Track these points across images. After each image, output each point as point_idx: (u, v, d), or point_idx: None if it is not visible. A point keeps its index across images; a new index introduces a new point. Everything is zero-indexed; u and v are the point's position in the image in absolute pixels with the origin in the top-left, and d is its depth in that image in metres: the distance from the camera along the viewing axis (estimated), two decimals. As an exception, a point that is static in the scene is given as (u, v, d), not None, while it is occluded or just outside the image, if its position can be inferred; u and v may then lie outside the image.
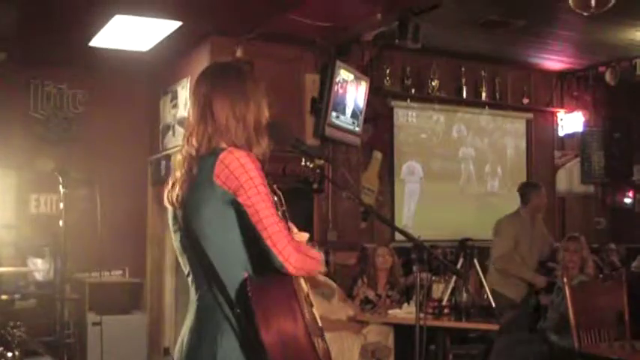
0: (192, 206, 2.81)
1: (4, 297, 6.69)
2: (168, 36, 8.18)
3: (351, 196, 3.18)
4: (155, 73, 9.61)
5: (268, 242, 2.69)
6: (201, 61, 8.55)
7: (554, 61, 10.94)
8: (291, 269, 2.68)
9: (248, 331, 2.68)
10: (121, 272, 9.57)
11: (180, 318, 9.60)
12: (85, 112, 9.62)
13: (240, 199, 2.72)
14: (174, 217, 2.95)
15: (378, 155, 9.91)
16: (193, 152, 2.88)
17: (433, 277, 7.12)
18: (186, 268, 2.95)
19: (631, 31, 9.27)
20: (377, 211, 9.96)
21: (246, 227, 2.76)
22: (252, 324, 2.63)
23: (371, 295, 7.57)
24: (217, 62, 3.25)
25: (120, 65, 9.22)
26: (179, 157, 2.97)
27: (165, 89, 9.44)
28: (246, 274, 2.75)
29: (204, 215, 2.78)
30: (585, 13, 6.57)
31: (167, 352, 9.40)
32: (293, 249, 2.69)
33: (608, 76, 10.61)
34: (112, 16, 7.56)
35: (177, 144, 9.04)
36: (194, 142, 2.89)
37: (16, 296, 7.36)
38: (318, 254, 2.83)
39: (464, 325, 6.39)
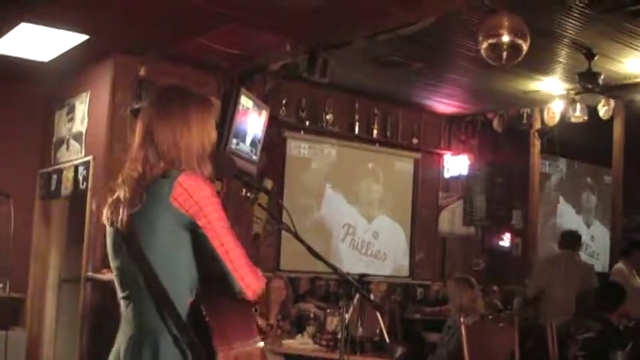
0: (143, 227, 2.77)
1: None
2: (72, 49, 8.04)
3: (285, 228, 3.17)
4: (53, 84, 9.40)
5: (229, 266, 2.69)
6: (103, 77, 8.47)
7: (445, 105, 11.26)
8: (250, 295, 2.70)
9: (200, 355, 2.67)
10: (1, 286, 9.27)
11: (60, 336, 9.41)
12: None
13: (199, 223, 2.71)
14: (116, 238, 2.91)
15: (268, 184, 9.95)
16: (136, 176, 2.85)
17: (327, 310, 7.19)
18: (124, 291, 2.91)
19: (523, 82, 9.64)
20: (262, 239, 10.06)
21: (200, 251, 2.76)
22: (207, 347, 2.63)
23: (262, 324, 7.56)
24: (165, 86, 3.22)
25: (17, 73, 8.97)
26: (119, 179, 2.94)
27: (62, 102, 9.27)
28: (191, 299, 2.75)
29: (156, 237, 2.75)
30: (495, 64, 6.80)
31: (45, 370, 9.18)
32: (254, 277, 2.71)
33: (495, 123, 10.99)
34: (17, 23, 7.39)
35: (71, 158, 8.90)
36: (138, 167, 2.87)
37: None
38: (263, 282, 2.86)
39: (358, 359, 6.45)
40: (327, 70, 7.72)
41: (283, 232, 9.81)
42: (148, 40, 7.84)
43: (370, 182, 11.32)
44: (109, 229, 2.93)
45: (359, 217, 11.22)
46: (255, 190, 3.21)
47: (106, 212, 2.93)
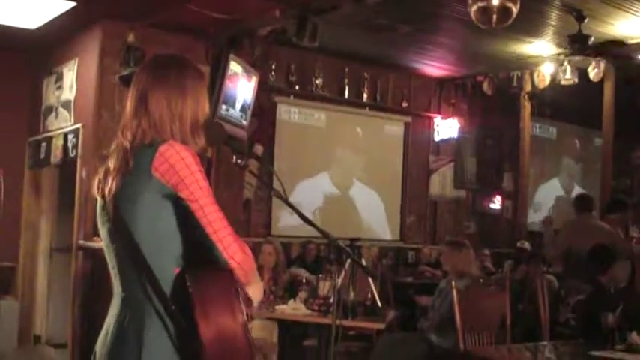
0: (126, 198, 2.76)
1: None
2: (59, 16, 7.97)
3: (276, 194, 3.15)
4: (41, 52, 9.33)
5: (213, 237, 2.67)
6: (92, 44, 8.40)
7: (434, 68, 11.24)
8: (235, 265, 2.68)
9: (183, 326, 2.66)
10: (-8, 255, 9.29)
11: (52, 305, 9.42)
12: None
13: (182, 194, 2.69)
14: (103, 209, 2.89)
15: (258, 150, 9.94)
16: (127, 145, 2.83)
17: (319, 275, 7.21)
18: (112, 262, 2.89)
19: (513, 45, 9.63)
20: (253, 204, 10.07)
21: (185, 221, 2.74)
22: (189, 319, 2.63)
23: (254, 290, 7.56)
24: (160, 55, 3.18)
25: (4, 41, 8.90)
26: (112, 147, 2.91)
27: (51, 70, 9.21)
28: (177, 270, 2.74)
29: (139, 207, 2.73)
30: (485, 27, 6.78)
31: (38, 339, 9.18)
32: (238, 247, 2.69)
33: (485, 86, 10.99)
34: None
35: (60, 126, 8.85)
36: (128, 135, 2.84)
37: None
38: (254, 266, 2.85)
39: (351, 323, 6.48)
40: (317, 35, 7.68)
41: (274, 198, 9.93)
42: (137, 6, 7.76)
43: (359, 146, 11.31)
44: (98, 200, 2.91)
45: (348, 181, 11.22)
46: (245, 157, 3.16)
47: (95, 182, 2.91)
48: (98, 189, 2.88)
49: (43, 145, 9.14)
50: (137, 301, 2.76)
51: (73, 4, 7.64)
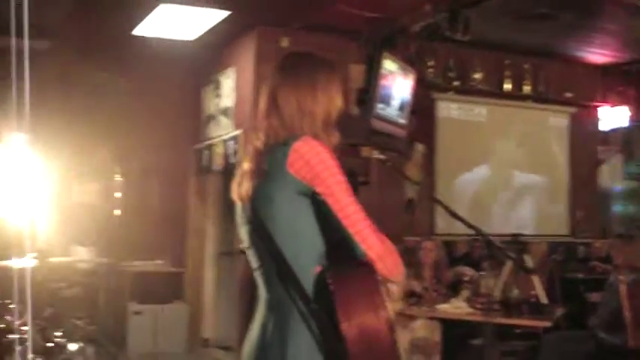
0: (263, 198, 2.74)
1: (51, 285, 6.67)
2: (215, 25, 8.14)
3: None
4: (199, 62, 9.57)
5: (351, 230, 2.61)
6: (247, 51, 8.53)
7: (598, 55, 10.80)
8: (374, 257, 2.61)
9: (326, 326, 2.62)
10: (162, 262, 9.54)
11: (220, 309, 9.61)
12: (129, 101, 9.60)
13: (318, 189, 2.64)
14: (243, 211, 2.89)
15: (419, 147, 9.83)
16: (260, 146, 2.82)
17: (480, 273, 7.06)
18: (255, 263, 2.89)
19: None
20: (417, 204, 9.95)
21: (324, 217, 2.70)
22: (331, 318, 2.57)
23: (417, 287, 7.48)
24: (291, 53, 3.17)
25: (163, 54, 9.17)
26: (249, 148, 2.91)
27: (209, 78, 9.42)
28: (319, 268, 2.69)
29: (276, 206, 2.70)
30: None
31: (206, 342, 9.39)
32: (377, 239, 2.63)
33: (654, 70, 10.52)
34: (156, 4, 7.52)
35: (221, 133, 9.03)
36: (261, 135, 2.83)
37: (62, 284, 7.36)
38: (400, 260, 2.76)
39: (515, 321, 6.31)
40: (469, 28, 7.53)
41: (438, 197, 9.79)
42: (288, 10, 7.83)
43: (522, 140, 11.02)
44: (237, 203, 2.91)
45: (512, 176, 10.95)
46: (390, 152, 3.10)
47: (233, 185, 2.91)
48: (236, 192, 2.87)
49: (206, 152, 9.36)
50: (280, 302, 2.74)
51: (228, 12, 7.77)
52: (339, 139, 2.87)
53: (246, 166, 2.83)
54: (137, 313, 8.73)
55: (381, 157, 3.20)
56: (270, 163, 2.72)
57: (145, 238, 9.17)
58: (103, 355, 7.26)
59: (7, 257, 4.43)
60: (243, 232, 2.90)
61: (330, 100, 2.87)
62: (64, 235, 8.56)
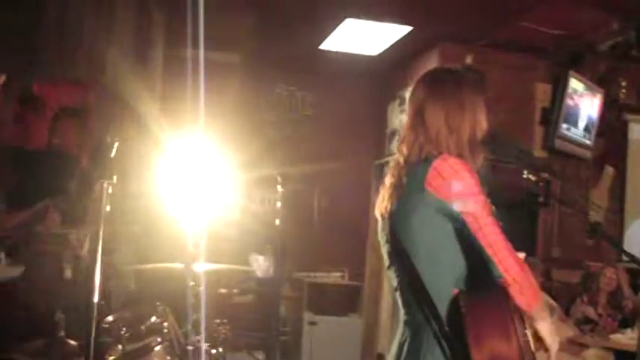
0: (402, 215, 2.73)
1: (222, 291, 6.85)
2: (397, 41, 8.17)
3: (576, 212, 2.99)
4: (383, 77, 9.62)
5: (489, 251, 2.57)
6: (430, 68, 8.49)
7: None
8: (509, 280, 2.55)
9: (457, 350, 2.57)
10: (340, 274, 9.62)
11: (396, 325, 9.58)
12: (314, 115, 9.78)
13: (456, 208, 2.62)
14: (383, 229, 2.88)
15: (609, 171, 9.48)
16: (402, 160, 2.81)
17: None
18: (394, 283, 2.88)
19: None
20: (604, 229, 9.58)
21: (463, 237, 2.66)
22: (462, 343, 2.53)
23: (591, 313, 7.23)
24: (437, 68, 3.17)
25: (347, 69, 9.30)
26: (390, 163, 2.91)
27: (394, 94, 9.44)
28: (456, 291, 2.65)
29: (413, 225, 2.69)
30: None
31: (381, 357, 9.38)
32: (514, 261, 2.56)
33: None
34: (342, 19, 7.62)
35: (403, 150, 9.02)
36: (404, 149, 2.82)
37: (235, 291, 7.54)
38: (537, 287, 2.67)
39: None
40: (660, 47, 7.25)
41: (627, 221, 9.40)
42: (472, 27, 7.75)
43: None
44: (379, 219, 2.91)
45: None
46: (539, 173, 3.02)
47: (378, 202, 2.91)
48: (379, 208, 2.87)
49: (386, 168, 9.37)
50: (416, 322, 2.73)
51: (409, 28, 7.78)
52: (490, 157, 2.84)
53: (387, 181, 2.84)
54: (312, 323, 8.83)
55: (532, 177, 3.11)
56: (409, 178, 2.72)
57: (324, 250, 9.30)
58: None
59: (174, 260, 4.58)
60: (383, 251, 2.90)
61: (476, 119, 2.84)
62: (240, 243, 8.79)
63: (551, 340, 2.75)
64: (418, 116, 2.85)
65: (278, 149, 9.34)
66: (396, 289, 2.86)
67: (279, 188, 5.70)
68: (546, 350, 2.75)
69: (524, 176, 3.11)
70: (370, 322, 9.51)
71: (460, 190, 2.61)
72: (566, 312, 7.48)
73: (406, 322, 2.80)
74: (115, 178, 2.72)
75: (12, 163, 6.01)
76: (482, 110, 2.87)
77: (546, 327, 2.72)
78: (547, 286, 7.78)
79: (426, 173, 2.66)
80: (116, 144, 2.71)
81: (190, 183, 5.13)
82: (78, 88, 6.79)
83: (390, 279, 2.90)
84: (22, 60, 5.68)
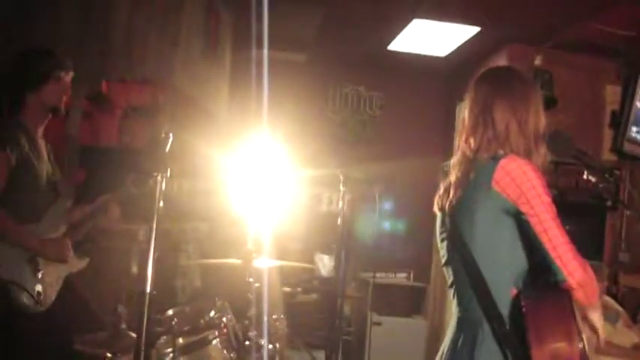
0: (465, 212, 2.75)
1: (286, 289, 6.88)
2: (466, 42, 8.14)
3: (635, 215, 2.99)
4: (450, 78, 9.60)
5: (552, 254, 2.58)
6: (497, 69, 8.44)
7: None
8: (573, 284, 2.55)
9: (517, 349, 2.58)
10: (405, 275, 9.60)
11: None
12: (381, 115, 9.79)
13: (522, 208, 2.63)
14: (443, 223, 2.89)
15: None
16: (470, 156, 2.82)
17: None
18: (449, 279, 2.89)
19: None
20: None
21: (528, 237, 2.66)
22: (522, 342, 2.53)
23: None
24: (498, 67, 3.19)
25: (415, 69, 9.29)
26: (454, 160, 2.92)
27: (462, 96, 9.39)
28: (515, 291, 2.66)
29: (478, 222, 2.70)
30: None
31: (446, 360, 9.34)
32: (578, 265, 2.56)
33: None
34: (410, 20, 7.62)
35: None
36: (472, 145, 2.84)
37: (299, 289, 7.57)
38: (597, 289, 2.67)
39: None
40: None
41: None
42: (541, 28, 7.68)
43: None
44: (438, 214, 2.92)
45: None
46: (599, 174, 3.01)
47: (436, 196, 2.93)
48: (438, 203, 2.89)
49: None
50: (471, 319, 2.74)
51: (477, 29, 7.75)
52: (548, 157, 2.85)
53: (452, 177, 2.86)
54: (377, 324, 8.83)
55: (592, 178, 3.10)
56: (476, 176, 2.74)
57: (389, 251, 9.30)
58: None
59: (237, 257, 4.62)
60: (441, 246, 2.92)
61: (539, 115, 2.86)
62: (305, 242, 8.83)
63: (600, 325, 2.76)
64: (485, 113, 2.87)
65: (345, 149, 9.37)
66: (451, 285, 2.88)
67: (342, 187, 5.70)
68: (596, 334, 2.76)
69: (585, 177, 3.10)
70: (435, 323, 9.46)
71: (527, 190, 2.63)
72: (633, 318, 7.36)
73: (461, 319, 2.81)
74: (168, 172, 2.75)
75: (82, 159, 6.13)
76: (542, 108, 2.91)
77: (597, 315, 2.73)
78: (614, 291, 7.68)
79: (494, 172, 2.68)
80: (170, 139, 2.76)
81: (257, 182, 5.18)
82: (147, 88, 6.91)
83: (447, 275, 2.91)
84: (94, 61, 5.79)
